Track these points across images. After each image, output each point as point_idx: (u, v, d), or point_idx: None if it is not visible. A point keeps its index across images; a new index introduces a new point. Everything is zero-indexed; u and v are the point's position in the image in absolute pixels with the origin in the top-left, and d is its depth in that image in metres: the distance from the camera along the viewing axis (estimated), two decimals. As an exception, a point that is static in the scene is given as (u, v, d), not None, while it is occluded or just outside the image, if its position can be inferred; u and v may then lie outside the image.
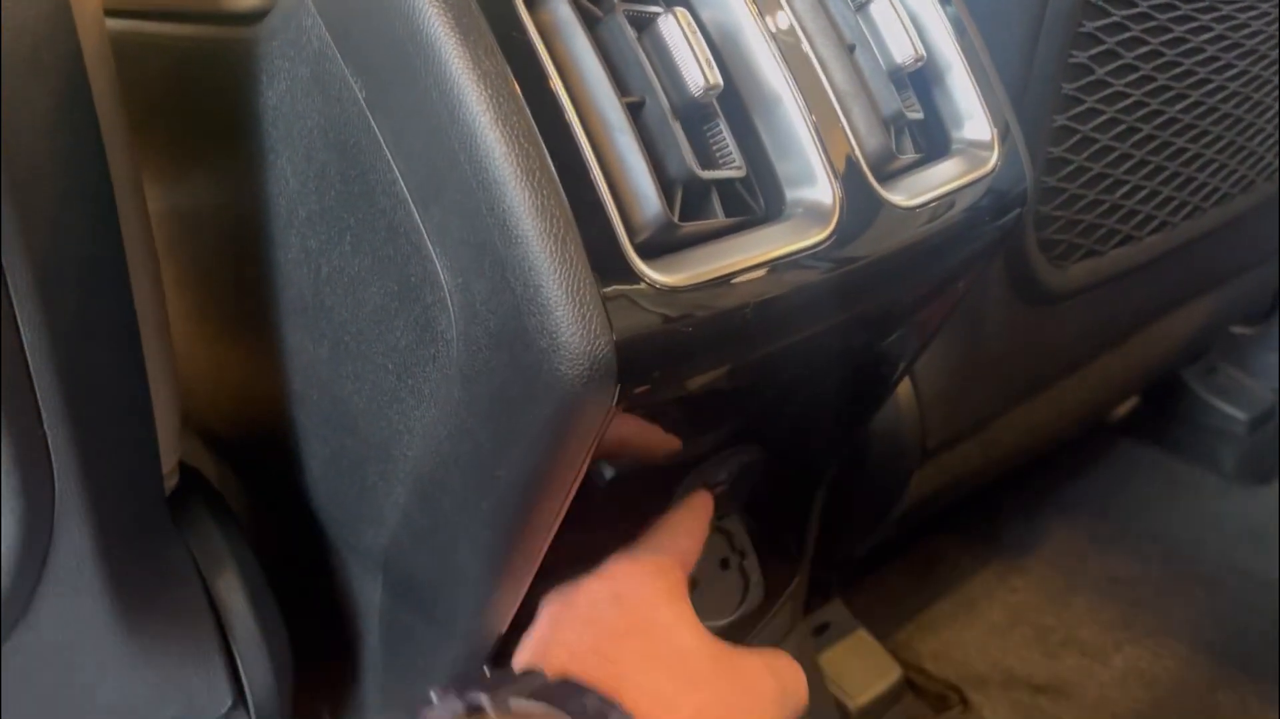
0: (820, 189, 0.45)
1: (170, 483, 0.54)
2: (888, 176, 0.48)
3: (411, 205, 0.42)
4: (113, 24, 0.53)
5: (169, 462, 0.53)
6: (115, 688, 0.52)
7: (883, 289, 0.48)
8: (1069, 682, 1.01)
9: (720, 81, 0.42)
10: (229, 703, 0.54)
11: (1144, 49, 0.71)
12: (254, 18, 0.47)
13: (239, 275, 0.55)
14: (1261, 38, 0.79)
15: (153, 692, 0.52)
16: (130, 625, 0.50)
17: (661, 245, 0.41)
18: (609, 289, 0.39)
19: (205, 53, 0.50)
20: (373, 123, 0.43)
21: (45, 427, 0.43)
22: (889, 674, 0.95)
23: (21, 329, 0.41)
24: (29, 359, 0.42)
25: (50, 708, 0.51)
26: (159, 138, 0.56)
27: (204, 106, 0.52)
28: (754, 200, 0.45)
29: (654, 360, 0.41)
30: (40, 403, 0.43)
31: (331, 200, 0.47)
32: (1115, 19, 0.68)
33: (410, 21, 0.40)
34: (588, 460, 0.43)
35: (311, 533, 0.59)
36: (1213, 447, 1.30)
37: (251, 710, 0.56)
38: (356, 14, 0.42)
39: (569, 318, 0.39)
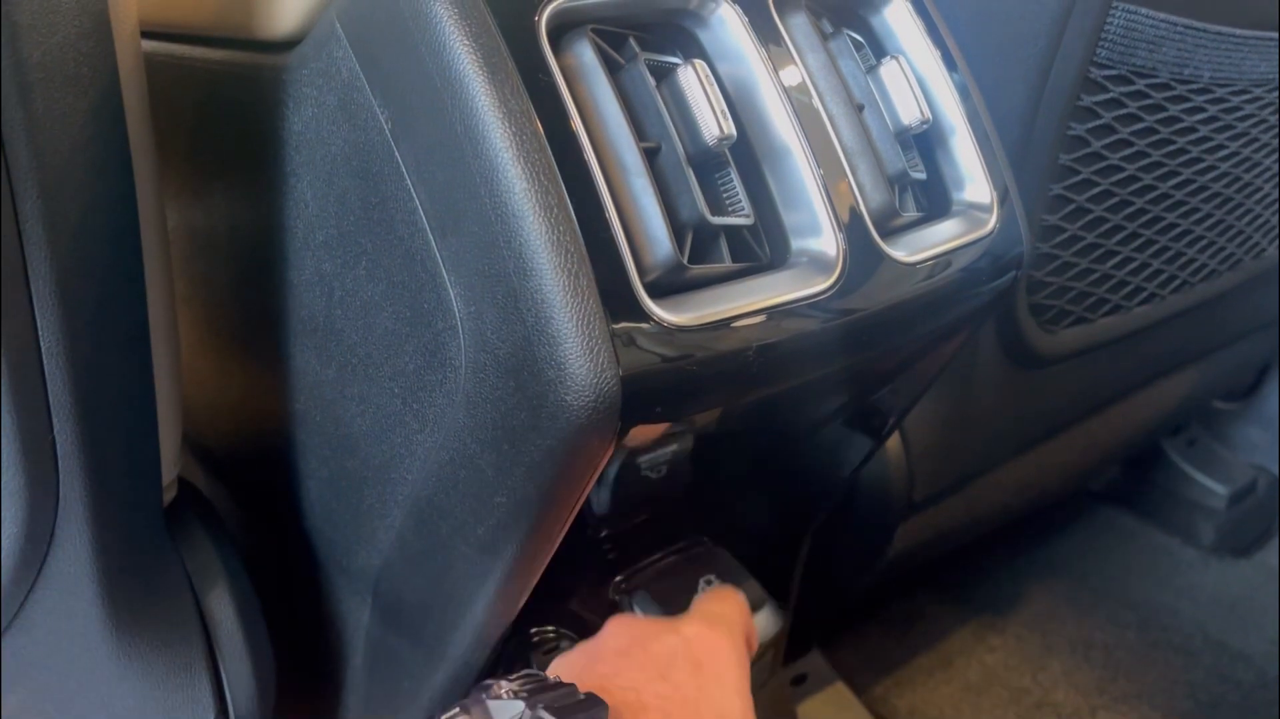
0: (825, 240, 0.46)
1: (168, 496, 0.55)
2: (890, 232, 0.50)
3: (429, 234, 0.44)
4: (147, 45, 0.54)
5: (168, 474, 0.54)
6: (100, 694, 0.52)
7: (880, 341, 0.49)
8: (1042, 745, 1.01)
9: (734, 132, 0.44)
10: (210, 717, 0.55)
11: (1139, 125, 0.73)
12: (285, 46, 0.49)
13: (249, 294, 0.56)
14: (1253, 121, 0.81)
15: (137, 700, 0.52)
16: (120, 633, 0.50)
17: (670, 286, 0.43)
18: (618, 325, 0.40)
19: (235, 76, 0.52)
20: (396, 153, 0.44)
21: (54, 430, 0.44)
22: (863, 728, 0.96)
23: (40, 332, 0.42)
24: (44, 362, 0.43)
25: (34, 711, 0.51)
26: (182, 155, 0.57)
27: (230, 128, 0.53)
28: (760, 248, 0.47)
29: (657, 396, 0.42)
30: (51, 406, 0.44)
31: (350, 225, 0.48)
32: (1113, 95, 0.71)
33: (440, 58, 0.42)
34: (587, 491, 0.44)
35: (303, 552, 0.59)
36: (1191, 518, 1.31)
37: (233, 729, 0.56)
38: (387, 47, 0.44)
39: (578, 350, 0.40)
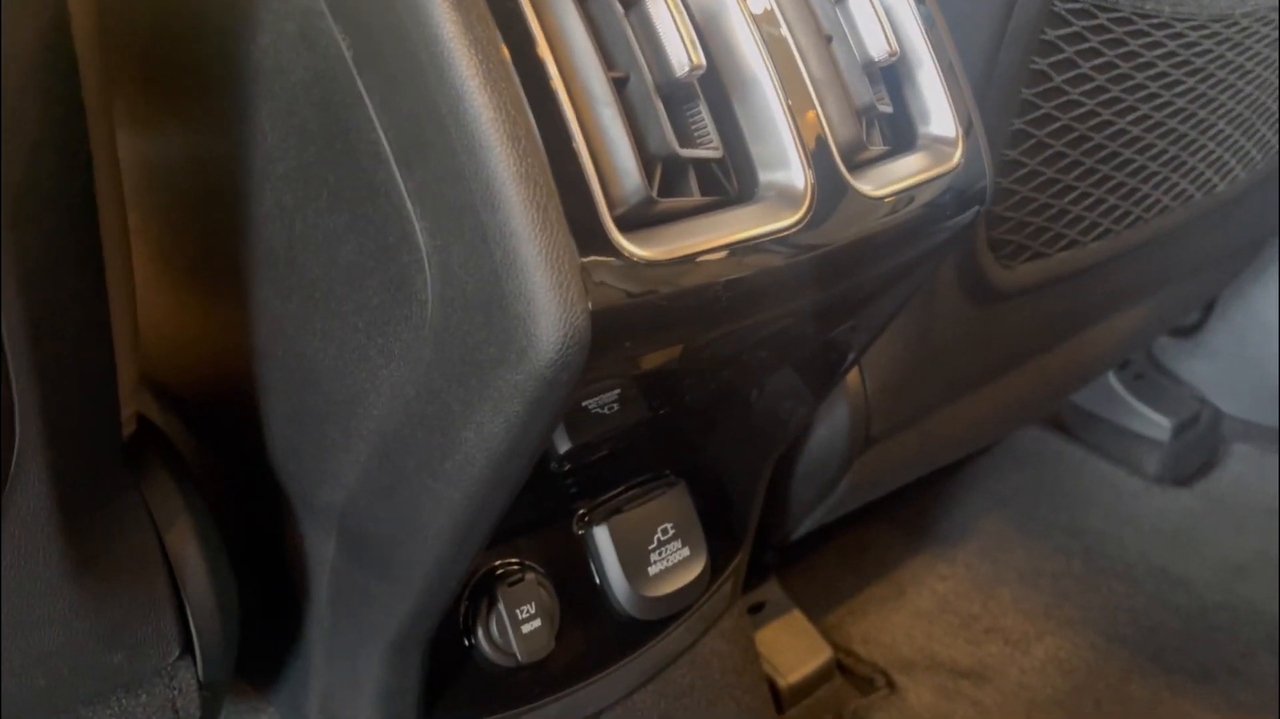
0: (793, 174, 0.46)
1: (126, 430, 0.54)
2: (856, 165, 0.50)
3: (394, 165, 0.43)
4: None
5: (125, 409, 0.53)
6: (61, 633, 0.52)
7: (846, 274, 0.50)
8: (991, 668, 1.04)
9: (704, 63, 0.43)
10: (176, 653, 0.54)
11: (1100, 60, 0.74)
12: (239, -33, 0.47)
13: (207, 226, 0.54)
14: (1211, 57, 0.82)
15: (99, 638, 0.51)
16: (81, 569, 0.50)
17: (639, 219, 0.43)
18: (587, 259, 0.40)
19: (190, 2, 0.50)
20: (359, 81, 0.43)
21: (9, 362, 0.43)
22: (819, 655, 0.98)
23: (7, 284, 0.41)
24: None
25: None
26: (134, 81, 0.55)
27: (184, 54, 0.52)
28: (728, 180, 0.46)
29: (627, 330, 0.42)
30: (5, 337, 0.43)
31: (311, 156, 0.47)
32: (1076, 29, 0.71)
33: (404, -17, 0.40)
34: (555, 425, 0.44)
35: (266, 488, 0.59)
36: (1137, 449, 1.35)
37: (199, 661, 0.56)
38: (347, -28, 0.42)
39: (546, 285, 0.40)
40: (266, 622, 0.63)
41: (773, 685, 0.95)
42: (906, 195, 0.50)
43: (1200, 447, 1.36)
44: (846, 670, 1.01)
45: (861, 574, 1.13)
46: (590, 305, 0.40)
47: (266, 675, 0.68)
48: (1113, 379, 1.36)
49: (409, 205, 0.43)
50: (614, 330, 0.41)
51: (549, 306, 0.40)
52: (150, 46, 0.53)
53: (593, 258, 0.40)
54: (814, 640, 0.98)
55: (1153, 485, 1.31)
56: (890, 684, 1.01)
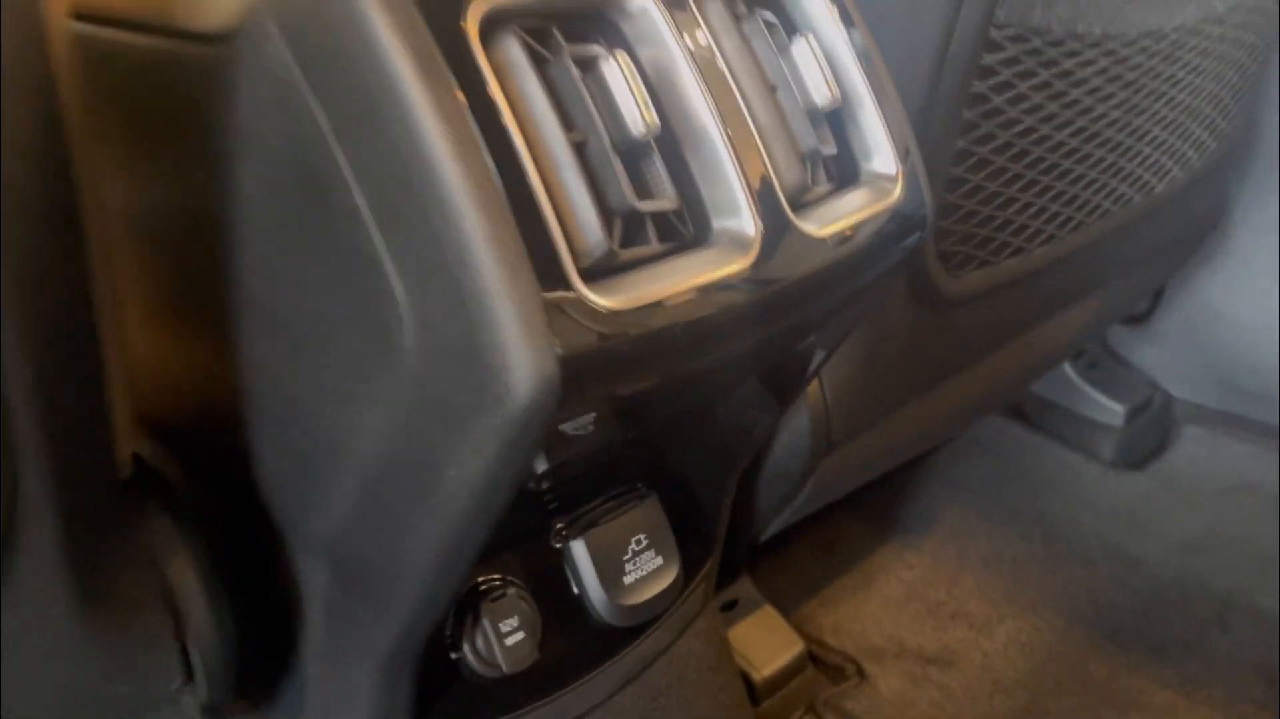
0: (743, 219, 0.50)
1: (124, 471, 0.57)
2: (802, 206, 0.53)
3: (371, 227, 0.46)
4: (78, 27, 0.55)
5: (122, 451, 0.56)
6: (68, 668, 0.55)
7: (798, 308, 0.53)
8: (956, 652, 1.09)
9: (658, 124, 0.47)
10: (179, 681, 0.58)
11: (1036, 79, 0.78)
12: (217, 39, 0.50)
13: (193, 277, 0.57)
14: (1141, 70, 0.86)
15: (106, 672, 0.54)
16: (88, 607, 0.53)
17: (602, 270, 0.46)
18: (555, 311, 0.44)
19: (167, 64, 0.53)
20: (336, 149, 0.46)
21: (11, 413, 0.46)
22: (792, 647, 1.02)
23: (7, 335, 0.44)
24: (2, 351, 0.45)
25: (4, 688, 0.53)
26: (117, 137, 0.58)
27: (163, 113, 0.54)
28: (684, 226, 0.50)
29: (594, 375, 0.45)
30: (6, 391, 0.46)
31: (290, 214, 0.50)
32: (1011, 53, 0.74)
33: (376, 62, 0.44)
34: (532, 460, 0.48)
35: (257, 520, 0.62)
36: (1092, 435, 1.40)
37: (201, 687, 0.59)
38: (323, 49, 0.46)
39: (518, 337, 0.43)
40: (262, 644, 0.66)
41: (747, 680, 0.99)
42: (850, 231, 0.54)
43: (1152, 430, 1.41)
44: (818, 661, 1.06)
45: (830, 566, 1.17)
46: (560, 352, 0.43)
47: (264, 694, 0.71)
48: (1068, 368, 1.41)
49: (387, 263, 0.46)
50: (582, 375, 0.45)
51: (521, 357, 0.43)
52: (130, 104, 0.56)
53: (560, 310, 0.44)
54: (786, 634, 1.03)
55: (1108, 469, 1.36)
56: (861, 673, 1.05)
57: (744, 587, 1.05)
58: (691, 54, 0.50)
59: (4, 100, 0.43)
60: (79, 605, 0.52)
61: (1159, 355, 1.45)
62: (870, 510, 1.24)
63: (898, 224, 0.58)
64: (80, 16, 0.56)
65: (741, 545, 0.98)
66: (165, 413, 0.65)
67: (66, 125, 0.48)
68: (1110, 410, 1.39)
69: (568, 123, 0.46)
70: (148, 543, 0.57)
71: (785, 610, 1.06)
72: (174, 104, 0.53)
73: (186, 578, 0.57)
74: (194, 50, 0.51)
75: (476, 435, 0.46)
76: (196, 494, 0.63)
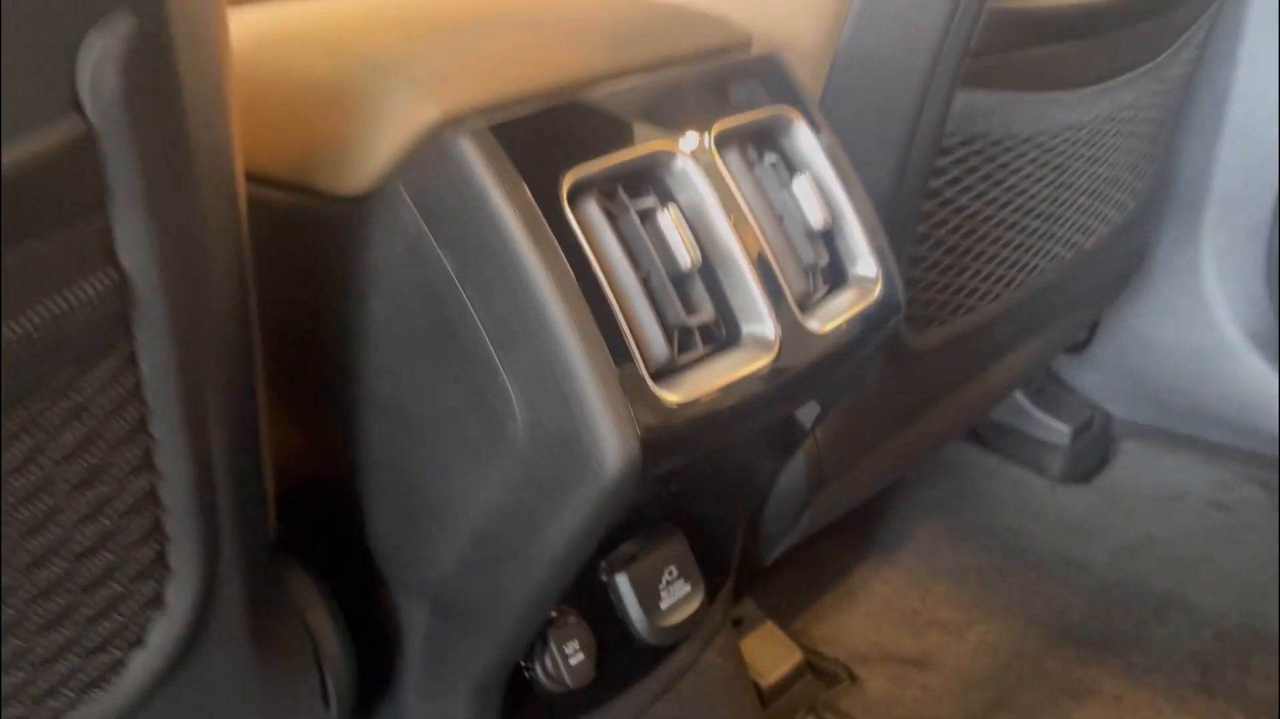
0: (765, 324, 0.65)
1: (273, 537, 0.70)
2: (807, 308, 0.69)
3: (491, 349, 0.60)
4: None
5: (271, 520, 0.70)
6: (245, 694, 0.68)
7: (807, 387, 0.69)
8: (933, 655, 1.24)
9: (700, 259, 0.62)
10: (320, 704, 0.71)
11: (979, 173, 0.94)
12: (356, 200, 0.64)
13: (323, 380, 0.71)
14: (1067, 155, 1.03)
15: (272, 698, 0.68)
16: (259, 647, 0.66)
17: (665, 371, 0.61)
18: (636, 406, 0.58)
19: (307, 218, 0.67)
20: (460, 289, 0.60)
21: (217, 501, 0.60)
22: (792, 657, 1.17)
23: (211, 434, 0.58)
24: (212, 452, 0.58)
25: None
26: (270, 274, 0.71)
27: (308, 257, 0.68)
28: (719, 330, 0.65)
29: (664, 451, 0.60)
30: (215, 480, 0.59)
31: (418, 335, 0.64)
32: (959, 155, 0.91)
33: (492, 220, 0.58)
34: (616, 520, 0.62)
35: (370, 572, 0.76)
36: (1042, 454, 1.56)
37: (334, 711, 0.73)
38: (446, 209, 0.60)
39: (609, 427, 0.58)
40: (370, 674, 0.80)
41: (756, 686, 1.13)
42: (845, 325, 0.70)
43: (1095, 447, 1.58)
44: (814, 668, 1.20)
45: (819, 584, 1.32)
46: (641, 436, 0.58)
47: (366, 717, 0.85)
48: (1018, 395, 1.57)
49: (503, 374, 0.61)
50: (657, 452, 0.59)
51: (613, 442, 0.58)
52: (281, 251, 0.70)
53: (639, 405, 0.58)
54: (786, 645, 1.17)
55: (1056, 484, 1.53)
56: (851, 676, 1.20)
57: (747, 606, 1.19)
58: (717, 197, 0.65)
59: (211, 252, 0.57)
60: (253, 642, 0.66)
61: (1098, 380, 1.61)
62: (851, 533, 1.40)
63: (880, 313, 0.73)
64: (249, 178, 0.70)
65: (746, 570, 1.12)
66: (295, 489, 0.79)
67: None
68: (1057, 431, 1.56)
69: (635, 262, 0.61)
70: (293, 595, 0.70)
71: (783, 625, 1.21)
72: (316, 249, 0.67)
73: (324, 622, 0.71)
74: (333, 208, 0.65)
75: (575, 503, 0.61)
76: (324, 554, 0.76)
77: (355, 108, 0.64)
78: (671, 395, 0.60)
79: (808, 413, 0.85)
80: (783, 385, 0.65)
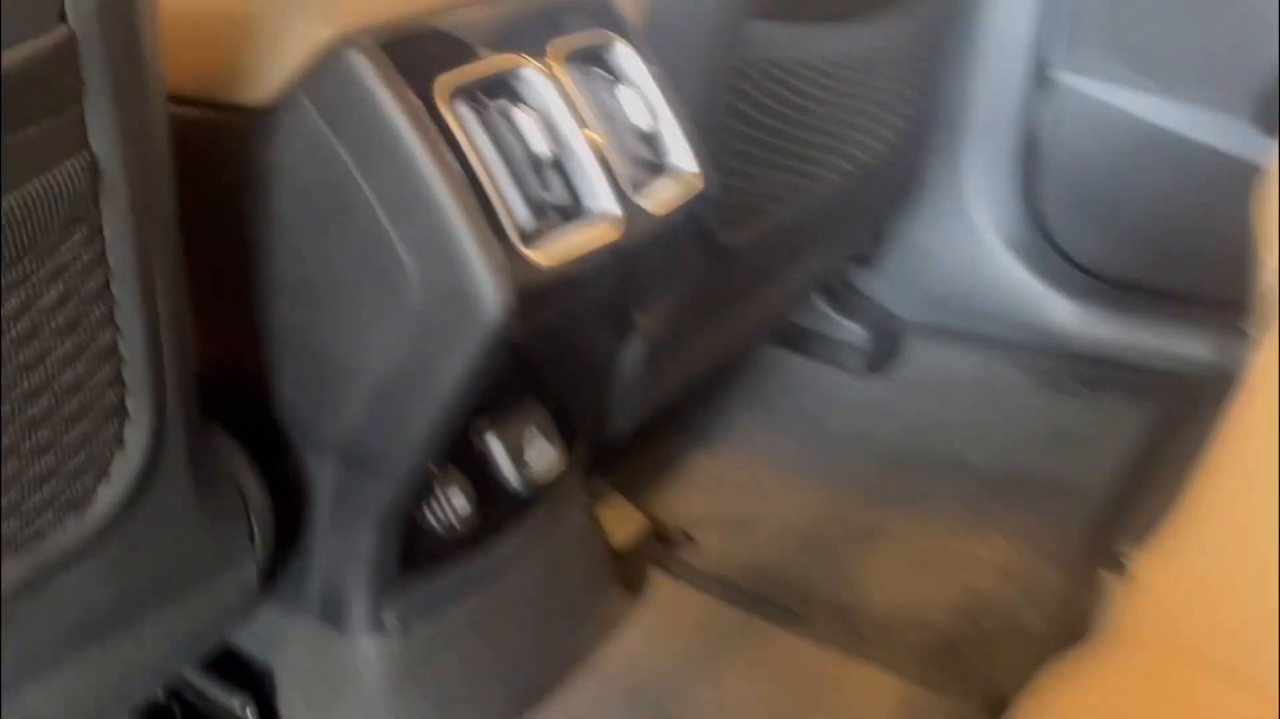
0: (610, 204, 0.81)
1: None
2: (641, 194, 0.85)
3: (386, 224, 0.74)
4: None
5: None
6: (191, 542, 0.80)
7: (647, 256, 0.86)
8: (759, 517, 1.44)
9: (553, 149, 0.78)
10: (248, 542, 0.84)
11: (776, 95, 1.13)
12: (262, 110, 0.77)
13: (238, 263, 0.83)
14: (847, 81, 1.23)
15: (209, 533, 0.81)
16: (196, 490, 0.79)
17: (531, 238, 0.77)
18: (510, 264, 0.74)
19: (224, 129, 0.79)
20: (358, 178, 0.74)
21: (165, 368, 0.72)
22: (636, 522, 1.35)
23: (159, 313, 0.70)
24: (159, 316, 0.70)
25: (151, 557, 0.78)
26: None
27: (218, 162, 0.80)
28: (574, 210, 0.81)
29: (535, 302, 0.76)
30: (160, 341, 0.71)
31: (320, 217, 0.77)
32: (758, 81, 1.09)
33: (385, 119, 0.72)
34: (498, 361, 0.78)
35: (278, 431, 0.89)
36: (842, 352, 1.79)
37: (259, 549, 0.86)
38: (344, 110, 0.74)
39: (490, 279, 0.73)
40: (285, 519, 0.93)
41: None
42: (673, 210, 0.87)
43: (886, 344, 1.82)
44: (657, 534, 1.39)
45: (658, 464, 1.51)
46: (517, 287, 0.74)
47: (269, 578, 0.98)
48: (821, 303, 1.80)
49: (397, 245, 0.75)
50: (529, 303, 0.75)
51: (493, 291, 0.73)
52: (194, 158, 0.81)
53: (513, 263, 0.74)
54: (631, 513, 1.35)
55: (855, 376, 1.76)
56: (689, 537, 1.39)
57: (598, 484, 1.37)
58: (561, 101, 0.81)
59: (158, 144, 0.68)
60: (194, 490, 0.78)
61: (886, 287, 1.84)
62: (685, 423, 1.59)
63: (700, 201, 0.91)
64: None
65: (596, 452, 1.30)
66: (217, 367, 0.91)
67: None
68: (854, 332, 1.78)
69: (500, 149, 0.77)
70: (219, 450, 0.83)
71: (628, 496, 1.39)
72: (229, 155, 0.79)
73: (247, 476, 0.84)
74: (245, 119, 0.77)
75: (464, 347, 0.76)
76: (246, 421, 0.89)
77: (260, 31, 0.76)
78: (538, 256, 0.76)
79: (640, 298, 1.02)
80: (628, 255, 0.82)
